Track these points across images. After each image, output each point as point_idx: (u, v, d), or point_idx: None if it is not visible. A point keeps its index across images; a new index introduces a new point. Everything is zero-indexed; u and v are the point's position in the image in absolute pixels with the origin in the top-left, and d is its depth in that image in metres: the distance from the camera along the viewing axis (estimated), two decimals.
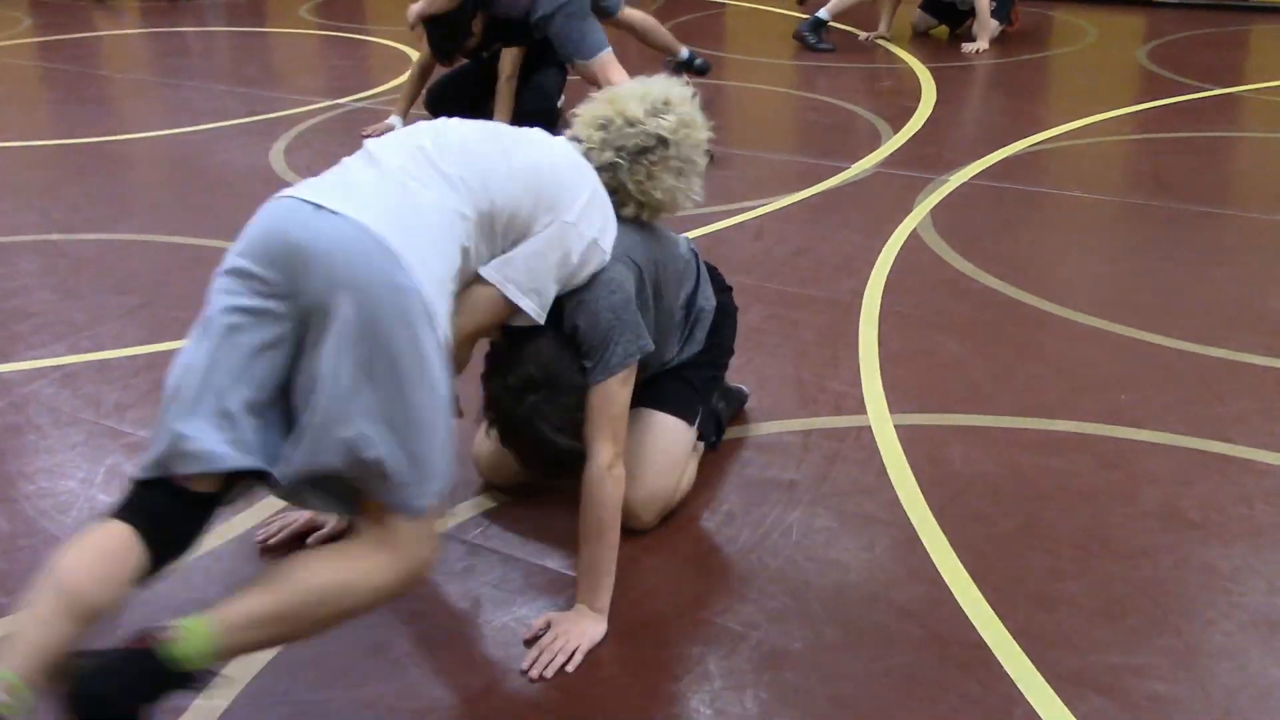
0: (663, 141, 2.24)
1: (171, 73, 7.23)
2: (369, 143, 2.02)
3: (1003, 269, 3.80)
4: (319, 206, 1.81)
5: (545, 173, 2.07)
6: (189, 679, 1.68)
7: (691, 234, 4.11)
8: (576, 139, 2.27)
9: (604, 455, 2.14)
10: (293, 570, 1.76)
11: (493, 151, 2.04)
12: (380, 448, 1.73)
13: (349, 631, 2.16)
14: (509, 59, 5.09)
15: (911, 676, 2.06)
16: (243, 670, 2.06)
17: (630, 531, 2.44)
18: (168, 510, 1.79)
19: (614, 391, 2.16)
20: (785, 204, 4.48)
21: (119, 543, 1.73)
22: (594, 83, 4.87)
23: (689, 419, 2.51)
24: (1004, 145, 5.16)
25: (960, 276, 3.77)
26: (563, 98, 5.50)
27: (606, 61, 4.92)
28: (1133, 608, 2.22)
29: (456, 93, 5.64)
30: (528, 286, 2.06)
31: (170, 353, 3.20)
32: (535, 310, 2.09)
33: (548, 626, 2.15)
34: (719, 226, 4.22)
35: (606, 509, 2.14)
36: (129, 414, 2.95)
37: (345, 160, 2.01)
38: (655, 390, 2.51)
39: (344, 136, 5.45)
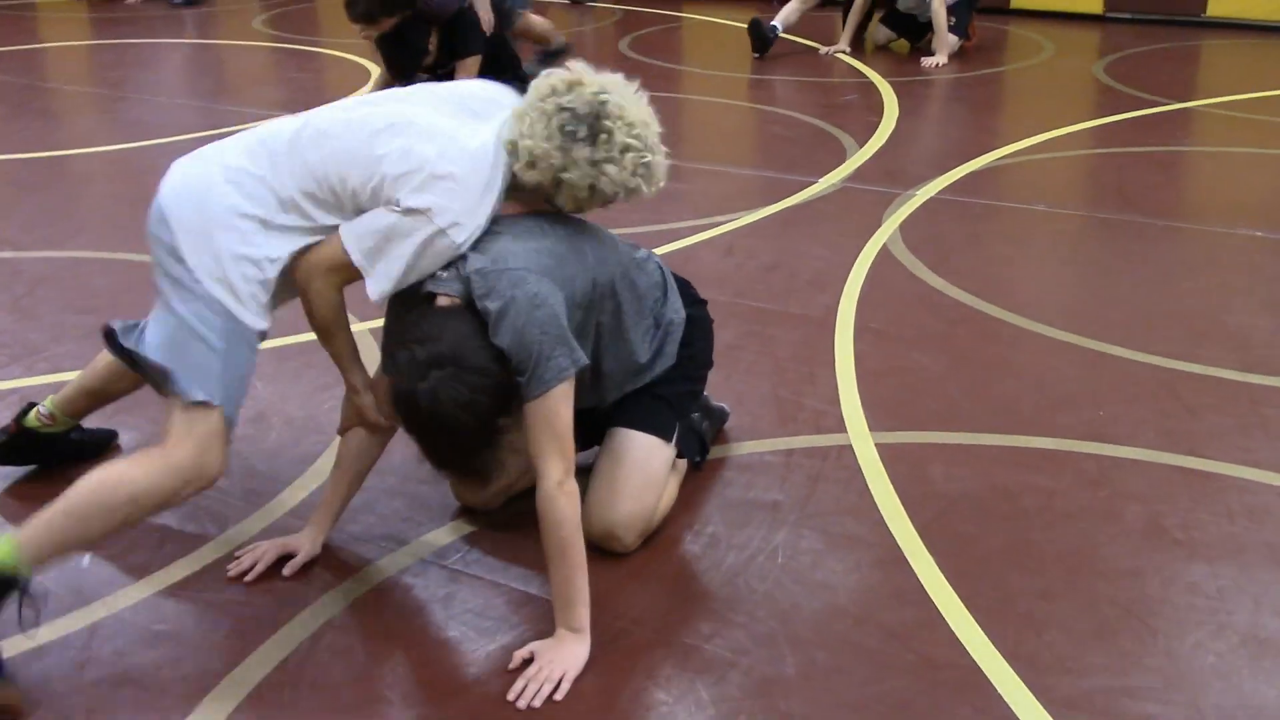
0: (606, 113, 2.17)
1: (121, 85, 7.11)
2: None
3: (973, 283, 3.80)
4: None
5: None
6: (6, 583, 1.97)
7: (661, 249, 4.09)
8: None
9: (554, 473, 2.09)
10: (89, 482, 2.08)
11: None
12: (154, 352, 2.16)
13: (330, 661, 2.11)
14: (465, 73, 5.04)
15: (906, 702, 2.03)
16: (221, 704, 2.00)
17: (613, 556, 2.40)
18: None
19: (553, 407, 2.10)
20: (754, 219, 4.45)
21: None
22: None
23: (665, 436, 2.47)
24: (968, 159, 5.17)
25: (932, 291, 3.76)
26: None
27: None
28: (1123, 628, 2.21)
29: None
30: (363, 247, 2.15)
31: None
32: (361, 263, 2.15)
33: (532, 657, 2.10)
34: (689, 242, 4.19)
35: (564, 527, 2.09)
36: None
37: None
38: (629, 408, 2.47)
39: None
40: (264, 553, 2.39)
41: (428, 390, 1.99)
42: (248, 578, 2.35)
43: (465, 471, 2.27)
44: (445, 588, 2.34)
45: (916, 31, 7.50)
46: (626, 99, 2.21)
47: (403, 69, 5.11)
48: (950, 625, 2.21)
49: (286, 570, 2.36)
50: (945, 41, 7.13)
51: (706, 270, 3.93)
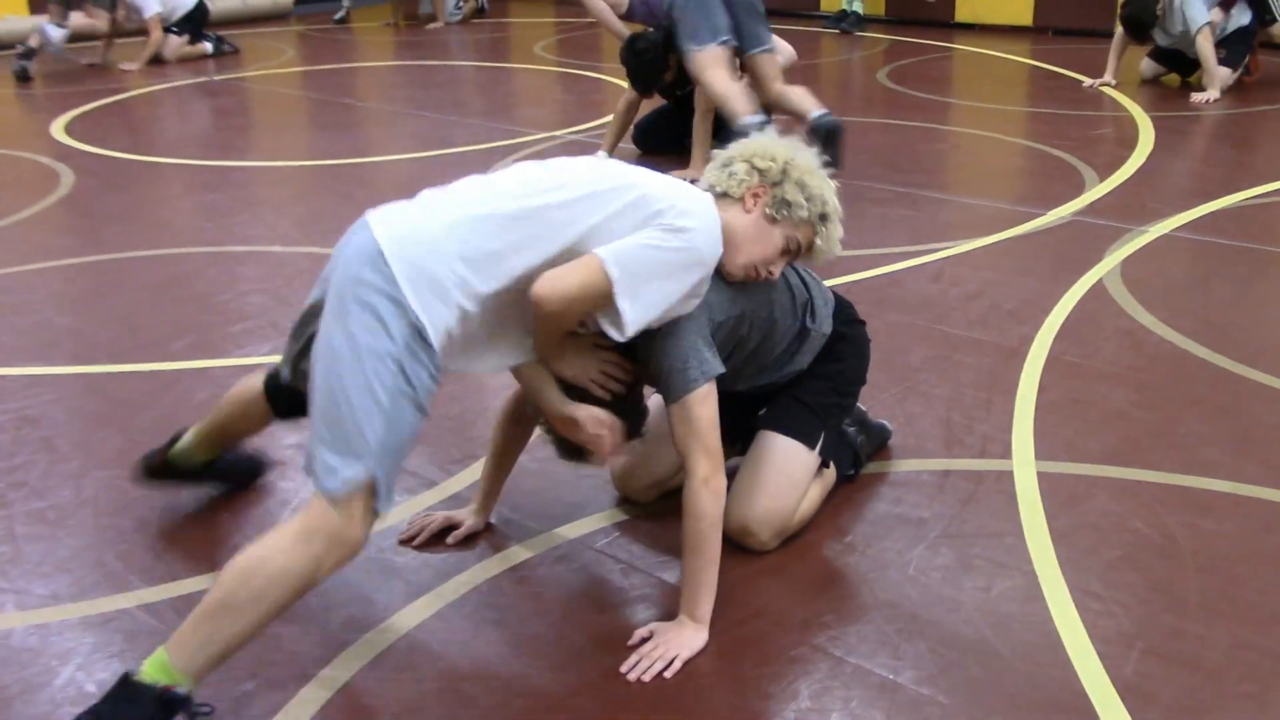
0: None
1: (410, 103, 7.72)
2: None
3: (1189, 324, 3.68)
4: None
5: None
6: (169, 699, 1.91)
7: (869, 274, 4.15)
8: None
9: (700, 469, 2.22)
10: (232, 573, 1.96)
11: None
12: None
13: (477, 619, 2.32)
14: (703, 95, 5.23)
15: None
16: (378, 642, 2.24)
17: (748, 552, 2.52)
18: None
19: (693, 410, 2.23)
20: (970, 248, 4.44)
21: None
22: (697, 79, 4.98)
23: (808, 443, 2.56)
24: (1214, 197, 4.96)
25: (1139, 329, 3.67)
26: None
27: (708, 60, 4.92)
28: (1253, 675, 2.15)
29: (659, 129, 5.85)
30: (628, 286, 2.10)
31: None
32: (627, 311, 2.10)
33: (651, 635, 2.25)
34: (898, 267, 4.24)
35: (704, 521, 2.22)
36: None
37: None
38: (775, 413, 2.58)
39: None
40: (432, 522, 2.64)
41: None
42: (415, 542, 2.60)
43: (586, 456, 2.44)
44: (588, 566, 2.51)
45: (1186, 66, 7.19)
46: (809, 167, 2.34)
47: (645, 84, 5.38)
48: (1068, 653, 2.21)
49: (450, 539, 2.60)
50: (1215, 75, 6.81)
51: (909, 295, 3.97)
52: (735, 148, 2.40)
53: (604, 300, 2.10)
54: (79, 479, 2.89)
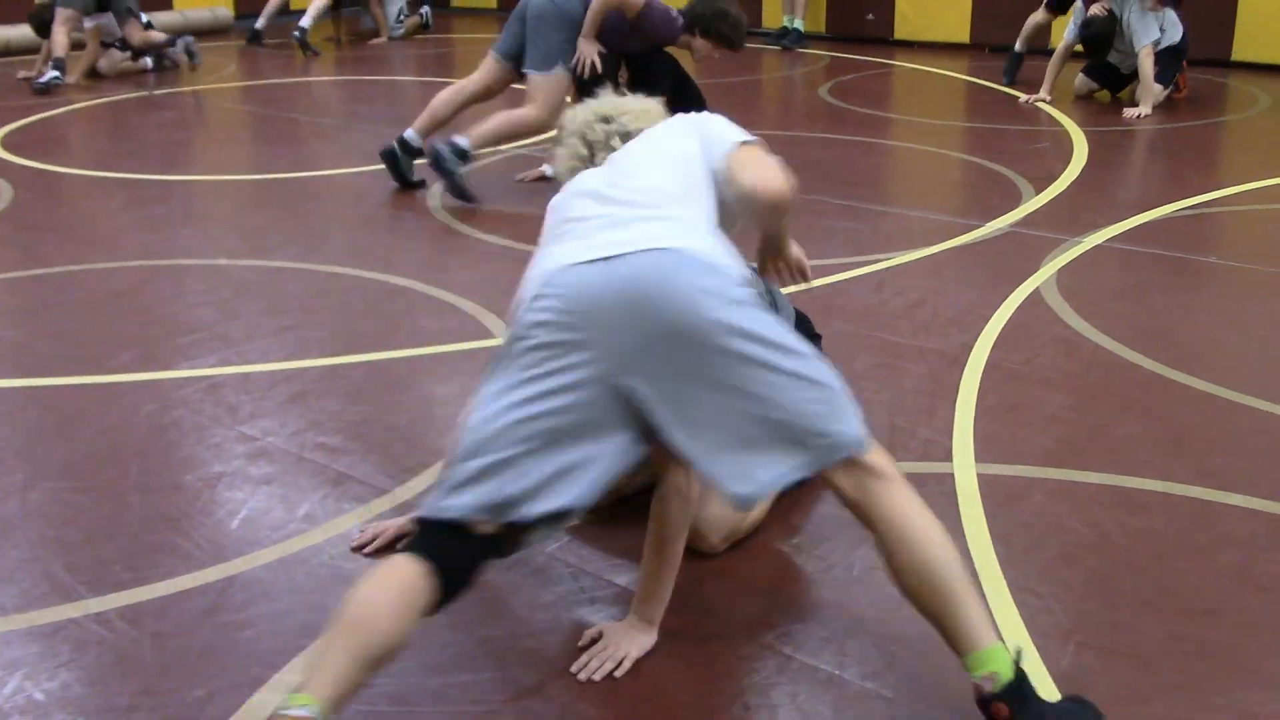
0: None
1: (353, 117, 7.71)
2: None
3: (1122, 331, 3.78)
4: None
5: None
6: None
7: (813, 284, 4.21)
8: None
9: (676, 475, 2.26)
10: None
11: None
12: None
13: (424, 625, 2.34)
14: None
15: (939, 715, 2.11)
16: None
17: (697, 554, 2.56)
18: (461, 550, 1.99)
19: None
20: (911, 258, 4.53)
21: (411, 580, 1.93)
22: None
23: None
24: (1147, 209, 5.10)
25: (1075, 335, 3.76)
26: None
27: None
28: (1184, 666, 2.22)
29: None
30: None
31: (306, 370, 3.52)
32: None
33: (601, 635, 2.28)
34: (841, 277, 4.31)
35: (669, 526, 2.26)
36: (259, 422, 3.21)
37: None
38: None
39: (499, 180, 5.75)
40: (385, 530, 2.65)
41: None
42: (367, 550, 2.62)
43: None
44: (540, 570, 2.54)
45: (1119, 82, 7.38)
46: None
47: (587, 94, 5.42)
48: (1005, 644, 2.27)
49: (401, 546, 2.61)
50: (1150, 91, 6.99)
51: (852, 303, 4.05)
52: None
53: None
54: (24, 491, 2.87)
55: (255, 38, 10.68)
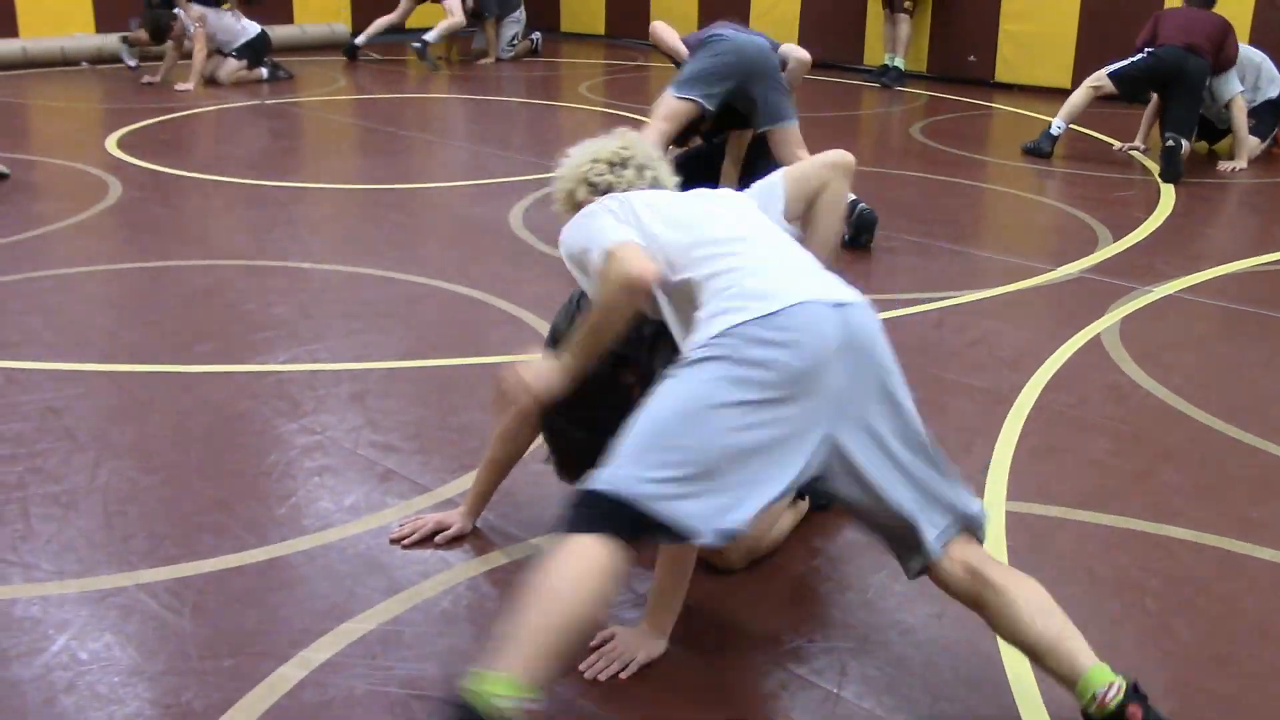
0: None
1: (452, 134, 7.95)
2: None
3: (1176, 381, 3.76)
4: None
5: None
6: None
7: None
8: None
9: None
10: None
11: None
12: None
13: (453, 616, 2.46)
14: (735, 143, 5.38)
15: None
16: (358, 626, 2.38)
17: (716, 570, 2.63)
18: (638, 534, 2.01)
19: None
20: (975, 298, 4.55)
21: (600, 557, 1.95)
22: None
23: None
24: (1224, 262, 5.04)
25: (1128, 383, 3.76)
26: None
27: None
28: (1187, 713, 2.23)
29: (687, 175, 5.99)
30: None
31: (370, 371, 3.67)
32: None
33: (612, 637, 2.36)
34: (902, 312, 4.35)
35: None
36: (319, 418, 3.37)
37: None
38: None
39: None
40: (423, 524, 2.78)
41: (562, 429, 2.42)
42: (405, 542, 2.74)
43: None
44: None
45: (1214, 135, 7.28)
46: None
47: (681, 135, 5.54)
48: (1010, 682, 2.30)
49: (439, 539, 2.74)
50: (1244, 145, 6.89)
51: (909, 338, 4.08)
52: None
53: None
54: (94, 468, 3.06)
55: (352, 52, 11.04)
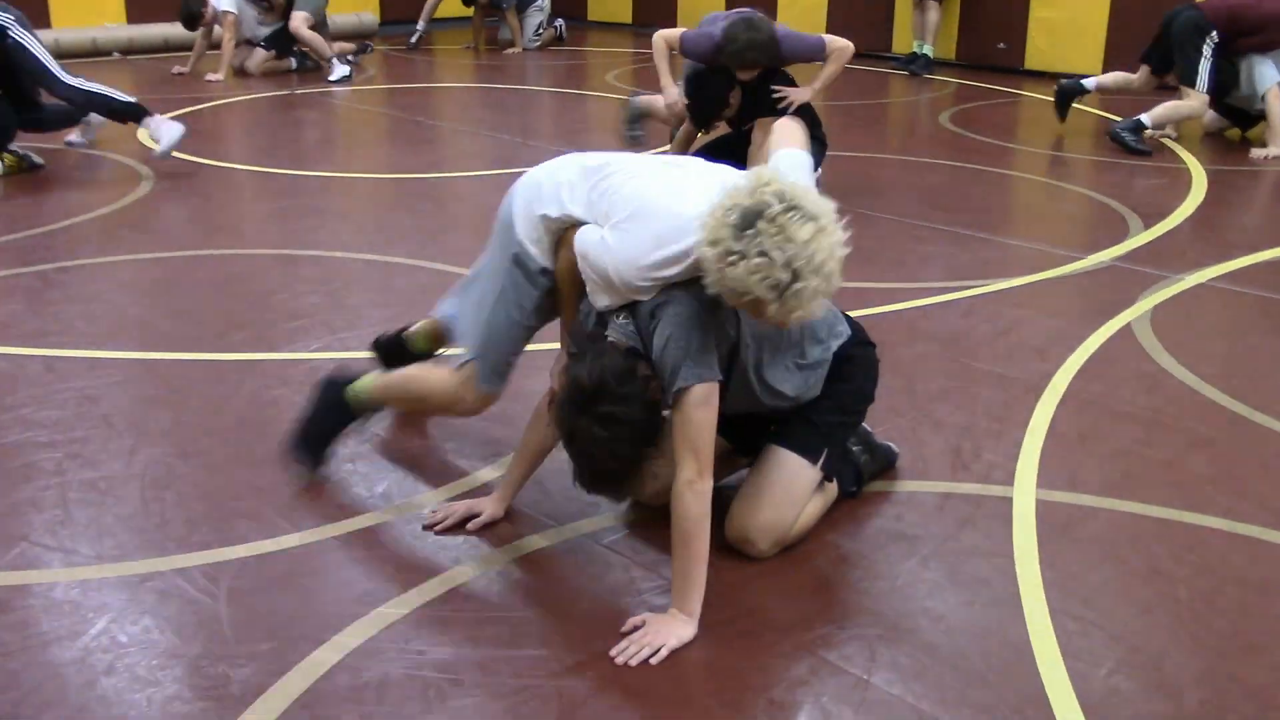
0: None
1: (480, 124, 7.97)
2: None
3: (1208, 369, 3.75)
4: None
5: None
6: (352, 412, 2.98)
7: (901, 305, 4.27)
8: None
9: (686, 472, 2.36)
10: (408, 373, 3.03)
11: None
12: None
13: (483, 600, 2.48)
14: (761, 130, 5.38)
15: None
16: (392, 611, 2.40)
17: (747, 558, 2.65)
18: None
19: (687, 413, 2.36)
20: (1005, 286, 4.54)
21: None
22: None
23: (811, 458, 2.68)
24: (1257, 250, 5.01)
25: (1160, 372, 3.74)
26: (819, 171, 5.74)
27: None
28: (1217, 701, 2.23)
29: (720, 157, 6.00)
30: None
31: None
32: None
33: (643, 623, 2.38)
34: (931, 300, 4.34)
35: (688, 520, 2.35)
36: None
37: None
38: (784, 429, 2.71)
39: None
40: (455, 510, 2.80)
41: (581, 433, 2.35)
42: (438, 528, 2.77)
43: (607, 493, 2.57)
44: (594, 560, 2.66)
45: (1247, 121, 7.21)
46: (802, 216, 2.22)
47: (701, 117, 5.55)
48: (1039, 669, 2.31)
49: (470, 525, 2.76)
50: (1278, 133, 6.82)
51: (939, 327, 4.08)
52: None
53: None
54: (130, 454, 3.10)
55: (418, 42, 11.22)
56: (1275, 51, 6.86)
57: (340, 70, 9.31)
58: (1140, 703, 2.21)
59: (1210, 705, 2.21)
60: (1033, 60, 10.12)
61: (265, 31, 9.47)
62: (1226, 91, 7.07)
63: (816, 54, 5.43)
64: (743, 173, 2.47)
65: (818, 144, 5.71)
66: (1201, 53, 6.86)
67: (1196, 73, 6.87)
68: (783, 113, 5.41)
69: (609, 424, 2.32)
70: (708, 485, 2.40)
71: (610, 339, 2.48)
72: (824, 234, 2.23)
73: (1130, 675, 2.29)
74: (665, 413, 2.45)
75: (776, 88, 5.43)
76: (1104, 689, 2.25)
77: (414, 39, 11.51)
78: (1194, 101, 6.97)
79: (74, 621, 2.39)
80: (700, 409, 2.39)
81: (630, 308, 2.50)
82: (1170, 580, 2.61)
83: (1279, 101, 6.81)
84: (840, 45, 5.44)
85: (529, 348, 2.89)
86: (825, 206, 2.28)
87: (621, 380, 2.35)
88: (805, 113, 5.65)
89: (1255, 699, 2.24)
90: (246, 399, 3.45)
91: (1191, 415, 3.46)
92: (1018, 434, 3.29)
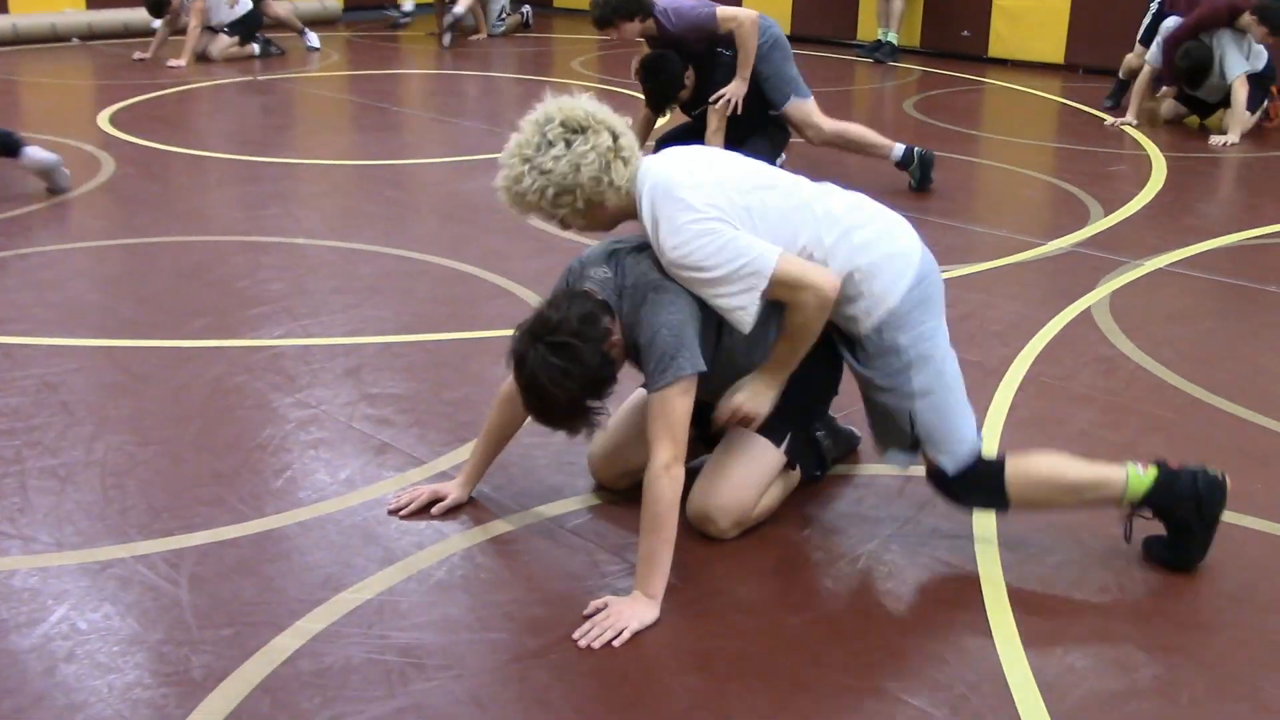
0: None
1: (445, 110, 7.94)
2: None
3: (1166, 354, 3.79)
4: None
5: None
6: None
7: None
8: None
9: (662, 456, 2.38)
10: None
11: None
12: None
13: (447, 586, 2.49)
14: (715, 115, 5.41)
15: (925, 712, 2.19)
16: (354, 596, 2.40)
17: (708, 538, 2.66)
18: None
19: (670, 400, 2.39)
20: (966, 272, 4.57)
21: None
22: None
23: (775, 440, 2.70)
24: (1215, 236, 5.07)
25: (1118, 355, 3.79)
26: (783, 157, 5.76)
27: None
28: (1167, 675, 2.27)
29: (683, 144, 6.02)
30: None
31: (364, 346, 3.69)
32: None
33: (605, 606, 2.39)
34: None
35: (659, 504, 2.37)
36: (314, 392, 3.39)
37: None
38: None
39: None
40: (419, 495, 2.80)
41: (533, 357, 2.36)
42: (402, 513, 2.77)
43: (555, 427, 2.56)
44: (558, 543, 2.67)
45: (1205, 109, 7.29)
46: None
47: (658, 101, 5.56)
48: (996, 646, 2.34)
49: (435, 510, 2.77)
50: (1240, 119, 6.89)
51: None
52: None
53: None
54: (90, 441, 3.08)
55: (453, 28, 10.77)
56: (1244, 38, 6.91)
57: (313, 39, 9.97)
58: (1095, 679, 2.25)
59: (1163, 680, 2.25)
60: (996, 48, 10.17)
61: (232, 17, 9.38)
62: (1199, 83, 7.11)
63: (709, 24, 5.35)
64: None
65: (779, 131, 5.74)
66: (1149, 9, 7.37)
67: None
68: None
69: (560, 352, 2.35)
70: (681, 472, 2.42)
71: (587, 287, 2.50)
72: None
73: (1086, 653, 2.33)
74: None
75: (716, 95, 5.43)
76: (1060, 667, 2.29)
77: (402, 21, 11.36)
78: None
79: (33, 609, 2.37)
80: (682, 397, 2.42)
81: (616, 263, 2.54)
82: (1127, 560, 2.65)
83: (1244, 90, 6.88)
84: (733, 16, 5.31)
85: (488, 334, 2.89)
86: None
87: (584, 321, 2.39)
88: (757, 102, 5.61)
89: (1209, 672, 2.28)
90: (209, 386, 3.43)
91: (1149, 399, 3.50)
92: (978, 417, 3.31)
